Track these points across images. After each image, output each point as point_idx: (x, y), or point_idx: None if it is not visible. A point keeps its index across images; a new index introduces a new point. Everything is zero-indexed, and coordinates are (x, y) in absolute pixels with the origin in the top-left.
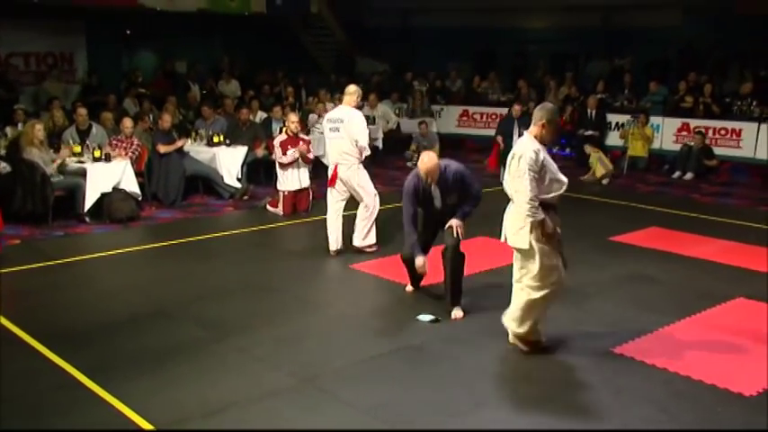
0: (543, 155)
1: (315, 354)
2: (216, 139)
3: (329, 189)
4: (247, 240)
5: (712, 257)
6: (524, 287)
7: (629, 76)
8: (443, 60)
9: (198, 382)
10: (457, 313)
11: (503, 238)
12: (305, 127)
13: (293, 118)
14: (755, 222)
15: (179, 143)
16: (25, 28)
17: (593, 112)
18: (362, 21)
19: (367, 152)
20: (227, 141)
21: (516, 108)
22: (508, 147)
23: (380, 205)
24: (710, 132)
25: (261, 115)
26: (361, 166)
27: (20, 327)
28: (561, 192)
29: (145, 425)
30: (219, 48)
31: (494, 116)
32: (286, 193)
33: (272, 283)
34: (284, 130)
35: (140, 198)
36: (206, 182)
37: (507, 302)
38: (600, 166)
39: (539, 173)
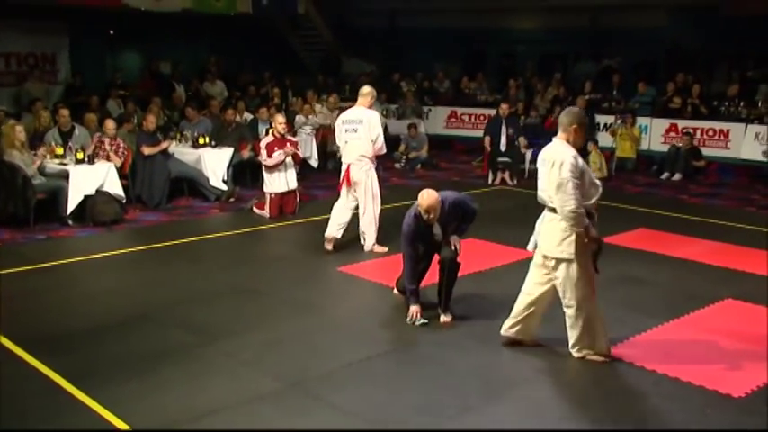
0: (581, 160)
1: (302, 357)
2: (201, 141)
3: (344, 188)
4: (234, 243)
5: (700, 258)
6: (575, 309)
7: (618, 76)
8: (431, 61)
9: (184, 387)
10: (446, 318)
11: (531, 247)
12: (291, 128)
13: (280, 119)
14: (742, 223)
15: (163, 145)
16: (6, 28)
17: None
18: (349, 21)
19: (383, 151)
20: (213, 143)
21: (504, 107)
22: (496, 147)
23: None
24: (698, 133)
25: (246, 116)
26: (372, 168)
27: (1, 332)
28: (598, 196)
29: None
30: (205, 48)
31: (482, 117)
32: (273, 195)
33: (259, 287)
34: (271, 131)
35: (124, 201)
36: (191, 184)
37: (496, 305)
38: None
39: (580, 178)
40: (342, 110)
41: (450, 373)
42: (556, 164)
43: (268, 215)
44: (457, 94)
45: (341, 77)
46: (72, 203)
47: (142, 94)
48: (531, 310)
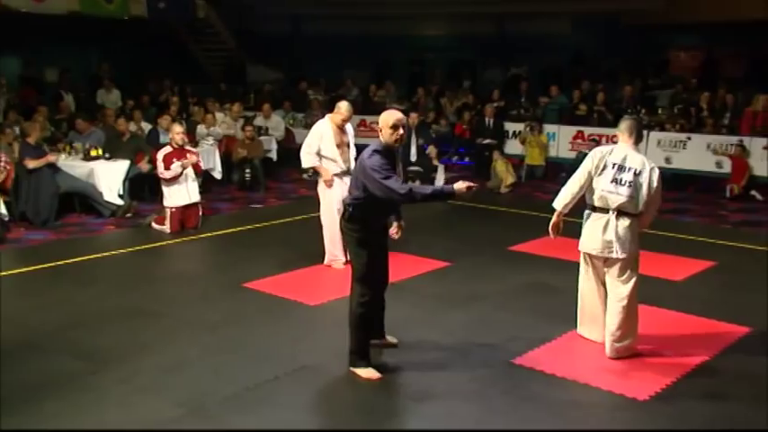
0: None
1: (205, 380)
2: (93, 153)
3: None
4: (130, 261)
5: None
6: (627, 300)
7: (525, 84)
8: (339, 68)
9: (74, 419)
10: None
11: (616, 253)
12: (193, 138)
13: (178, 129)
14: (646, 228)
15: (50, 158)
16: None
17: (491, 120)
18: (253, 27)
19: (304, 164)
20: (107, 155)
21: (413, 117)
22: (405, 158)
23: (277, 219)
24: (604, 140)
25: (146, 126)
26: (320, 180)
27: None
28: None
29: None
30: (96, 54)
31: None
32: (173, 209)
33: (158, 307)
34: (169, 141)
35: (7, 219)
36: (83, 199)
37: (405, 318)
38: (509, 175)
39: None
40: (246, 119)
41: (360, 389)
42: (654, 168)
43: (168, 230)
44: (366, 101)
45: (245, 85)
46: None
47: (24, 103)
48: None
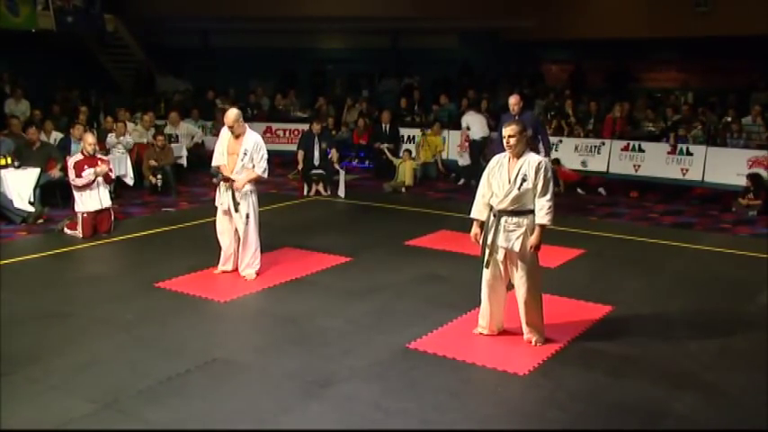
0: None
1: (118, 376)
2: (2, 162)
3: None
4: (43, 266)
5: None
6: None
7: (418, 93)
8: (246, 79)
9: None
10: None
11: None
12: (104, 147)
13: (90, 139)
14: None
15: None
16: None
17: (387, 126)
18: (162, 40)
19: (213, 163)
20: (16, 163)
21: (315, 125)
22: (309, 162)
23: (187, 222)
24: (487, 142)
25: (56, 135)
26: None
27: None
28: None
29: None
30: (5, 65)
31: (296, 132)
32: (85, 215)
33: (70, 309)
34: (80, 150)
35: None
36: None
37: (313, 310)
38: (409, 174)
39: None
40: (157, 128)
41: (268, 378)
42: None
43: (81, 235)
44: (272, 110)
45: (156, 95)
46: None
47: None
48: None
